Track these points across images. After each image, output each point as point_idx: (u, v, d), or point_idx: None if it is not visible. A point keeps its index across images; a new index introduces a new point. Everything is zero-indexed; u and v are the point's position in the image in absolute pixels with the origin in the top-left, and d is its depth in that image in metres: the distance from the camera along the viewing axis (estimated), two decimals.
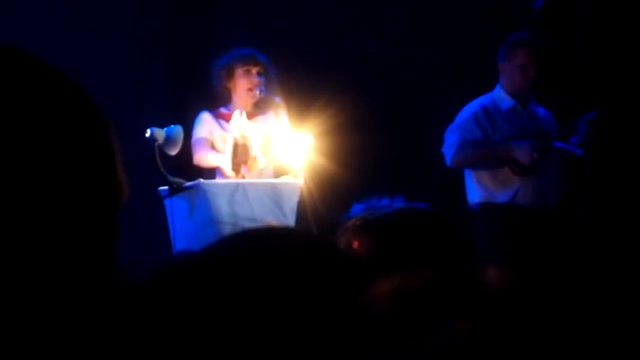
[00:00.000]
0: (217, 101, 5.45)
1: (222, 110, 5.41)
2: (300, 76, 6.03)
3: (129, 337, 1.13)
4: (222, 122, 5.36)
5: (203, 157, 5.30)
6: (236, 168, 5.09)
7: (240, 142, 5.10)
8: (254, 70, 5.33)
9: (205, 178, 5.03)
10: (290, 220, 4.81)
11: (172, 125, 5.02)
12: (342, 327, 1.03)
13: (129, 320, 1.16)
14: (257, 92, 5.29)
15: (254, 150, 5.11)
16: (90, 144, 1.29)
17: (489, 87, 5.50)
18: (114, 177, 1.32)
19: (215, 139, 5.33)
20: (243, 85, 5.34)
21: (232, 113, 5.27)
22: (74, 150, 1.26)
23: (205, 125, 5.37)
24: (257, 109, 5.37)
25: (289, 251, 1.10)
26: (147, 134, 4.89)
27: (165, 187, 4.85)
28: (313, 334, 1.01)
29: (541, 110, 5.53)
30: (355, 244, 2.01)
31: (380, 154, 6.39)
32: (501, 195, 5.31)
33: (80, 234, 1.24)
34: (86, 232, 1.25)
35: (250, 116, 5.29)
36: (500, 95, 5.44)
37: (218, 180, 5.14)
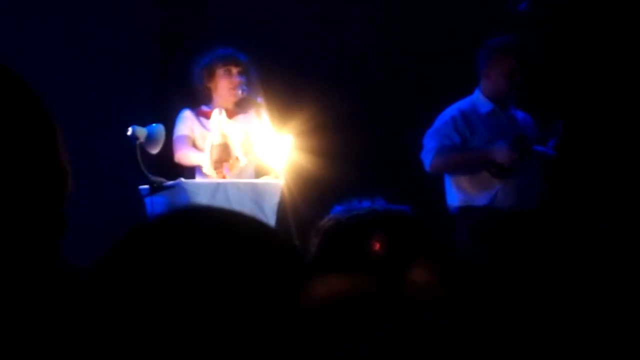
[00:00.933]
0: (198, 100, 5.44)
1: (204, 108, 5.40)
2: (282, 76, 6.03)
3: (62, 332, 1.13)
4: (203, 120, 5.35)
5: (184, 156, 5.30)
6: (217, 167, 5.09)
7: (220, 141, 5.09)
8: (235, 70, 5.32)
9: (185, 176, 5.02)
10: (271, 221, 4.81)
11: (154, 124, 5.01)
12: (273, 317, 1.02)
13: (63, 315, 1.15)
14: (239, 91, 5.28)
15: (235, 150, 5.10)
16: (33, 137, 1.29)
17: (469, 91, 5.49)
18: (58, 170, 1.31)
19: (197, 137, 5.33)
20: (224, 85, 5.34)
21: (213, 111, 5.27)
22: (15, 142, 1.25)
23: (187, 123, 5.37)
24: (238, 108, 5.37)
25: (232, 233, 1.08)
26: (129, 132, 4.88)
27: (146, 186, 4.84)
28: (244, 318, 1.00)
29: (520, 114, 5.53)
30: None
31: (362, 154, 6.39)
32: (480, 199, 5.32)
33: (21, 227, 1.24)
34: (28, 225, 1.24)
35: (231, 115, 5.28)
36: (479, 99, 5.42)
37: (199, 180, 5.13)
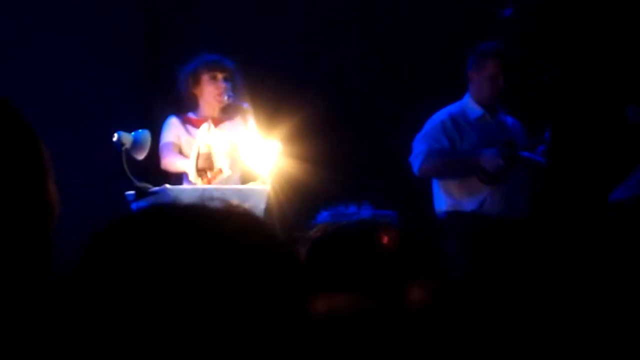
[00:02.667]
0: (184, 107, 5.43)
1: (190, 115, 5.40)
2: (269, 82, 6.03)
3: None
4: (189, 127, 5.34)
5: (170, 162, 5.29)
6: (201, 175, 5.08)
7: (204, 151, 5.08)
8: (220, 76, 5.31)
9: (172, 183, 5.01)
10: None
11: (140, 130, 5.00)
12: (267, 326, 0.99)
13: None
14: (225, 97, 5.28)
15: (219, 161, 5.08)
16: (20, 161, 1.28)
17: (459, 95, 5.51)
18: (44, 194, 1.31)
19: (183, 144, 5.32)
20: (209, 92, 5.33)
21: (200, 118, 5.26)
22: (2, 167, 1.25)
23: (173, 129, 5.36)
24: (225, 114, 5.36)
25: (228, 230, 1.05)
26: (115, 138, 4.87)
27: (133, 192, 4.83)
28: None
29: (510, 120, 5.55)
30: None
31: (349, 160, 6.40)
32: (468, 204, 5.32)
33: (9, 250, 1.23)
34: (16, 248, 1.24)
35: (217, 122, 5.27)
36: (469, 104, 5.45)
37: (184, 186, 5.12)
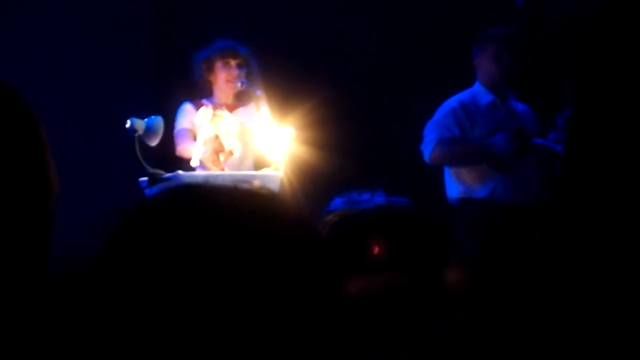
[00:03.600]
0: (199, 93, 5.45)
1: (204, 101, 5.40)
2: (283, 69, 6.03)
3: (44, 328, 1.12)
4: None
5: (186, 149, 5.30)
6: (214, 160, 5.09)
7: (211, 134, 5.09)
8: (234, 62, 5.32)
9: (187, 169, 5.03)
10: None
11: (153, 116, 5.00)
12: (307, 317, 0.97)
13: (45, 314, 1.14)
14: (238, 84, 5.28)
15: (228, 141, 5.09)
16: (18, 138, 1.28)
17: (470, 83, 5.51)
18: (44, 171, 1.31)
19: (198, 130, 5.33)
20: (222, 78, 5.34)
21: (214, 105, 5.27)
22: (1, 144, 1.25)
23: (188, 116, 5.37)
24: (238, 101, 5.37)
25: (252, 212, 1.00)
26: (127, 125, 4.88)
27: (146, 178, 4.85)
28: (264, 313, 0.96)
29: (520, 106, 5.54)
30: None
31: (362, 147, 6.39)
32: (479, 191, 5.32)
33: (9, 226, 1.23)
34: (16, 224, 1.24)
35: (231, 108, 5.29)
36: (479, 91, 5.45)
37: (196, 172, 5.13)
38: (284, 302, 0.96)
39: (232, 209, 1.01)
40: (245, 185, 1.06)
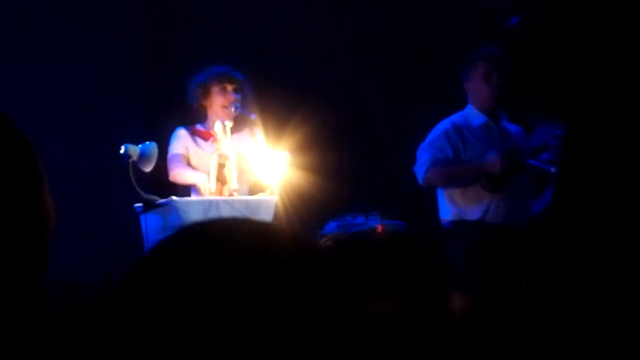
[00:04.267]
0: (193, 118, 5.45)
1: (198, 127, 5.41)
2: (276, 93, 6.04)
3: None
4: (197, 139, 5.36)
5: (180, 174, 5.29)
6: (218, 191, 5.11)
7: (223, 161, 5.10)
8: (230, 87, 5.33)
9: (180, 194, 5.02)
10: None
11: (147, 142, 5.01)
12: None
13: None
14: (233, 109, 5.29)
15: (232, 176, 5.10)
16: (15, 171, 1.28)
17: (461, 106, 5.51)
18: (40, 203, 1.31)
19: (191, 156, 5.33)
20: (219, 103, 5.34)
21: (208, 130, 5.28)
22: None
23: (182, 141, 5.37)
24: (234, 126, 5.37)
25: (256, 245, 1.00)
26: (122, 151, 4.89)
27: (140, 204, 4.85)
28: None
29: (513, 127, 5.54)
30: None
31: (356, 171, 6.40)
32: (472, 212, 5.31)
33: (4, 258, 1.23)
34: (12, 258, 1.24)
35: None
36: (472, 113, 5.44)
37: (191, 198, 5.13)
38: (300, 332, 0.97)
39: (242, 248, 1.01)
40: (248, 219, 1.06)
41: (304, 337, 0.96)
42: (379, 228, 2.02)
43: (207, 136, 5.28)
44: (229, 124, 5.14)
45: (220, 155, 5.09)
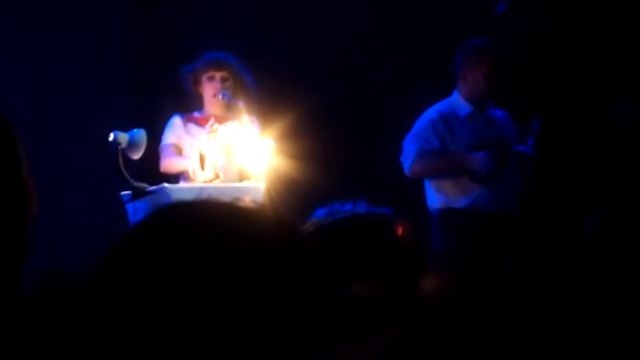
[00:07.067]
0: (191, 105, 5.44)
1: (195, 114, 5.40)
2: (262, 80, 6.03)
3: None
4: (192, 125, 5.35)
5: (170, 163, 5.30)
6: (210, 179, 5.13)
7: (202, 154, 5.12)
8: (218, 75, 5.31)
9: (170, 182, 5.02)
10: None
11: (136, 129, 5.01)
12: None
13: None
14: (220, 96, 5.27)
15: (213, 167, 5.11)
16: None
17: (448, 93, 5.49)
18: (21, 188, 1.30)
19: (184, 144, 5.33)
20: (207, 91, 5.34)
21: (205, 117, 5.28)
22: None
23: (175, 130, 5.36)
24: (230, 114, 5.34)
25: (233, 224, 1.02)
26: (110, 138, 4.88)
27: (128, 192, 4.84)
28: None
29: (499, 113, 5.52)
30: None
31: (343, 158, 6.40)
32: (460, 201, 5.31)
33: None
34: None
35: (220, 120, 5.29)
36: (458, 102, 5.42)
37: (182, 185, 5.13)
38: (280, 317, 0.98)
39: (222, 227, 1.02)
40: (235, 201, 1.07)
41: (276, 318, 0.97)
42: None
43: (202, 123, 5.27)
44: (217, 126, 5.15)
45: (200, 151, 5.10)
